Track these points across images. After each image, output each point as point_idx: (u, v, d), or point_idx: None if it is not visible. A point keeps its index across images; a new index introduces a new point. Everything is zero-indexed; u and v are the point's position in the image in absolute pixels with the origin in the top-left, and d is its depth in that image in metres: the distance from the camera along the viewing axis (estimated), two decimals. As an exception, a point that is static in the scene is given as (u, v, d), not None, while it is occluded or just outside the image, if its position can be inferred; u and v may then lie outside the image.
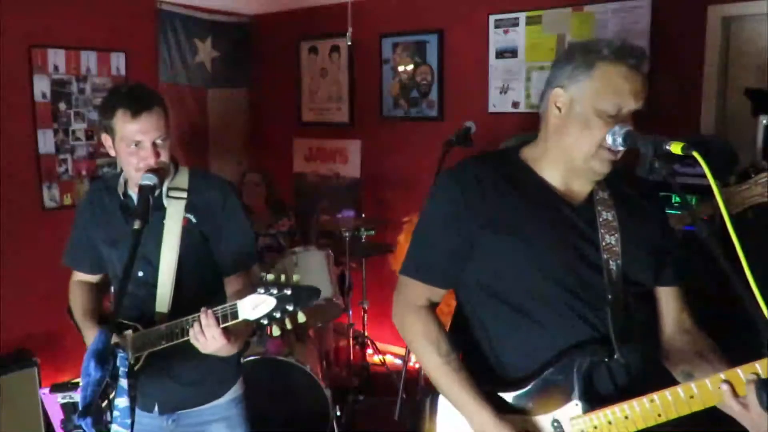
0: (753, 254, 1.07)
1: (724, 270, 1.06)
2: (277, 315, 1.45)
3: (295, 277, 1.47)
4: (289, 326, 1.47)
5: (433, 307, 1.44)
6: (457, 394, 1.33)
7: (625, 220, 1.36)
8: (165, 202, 1.74)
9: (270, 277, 1.46)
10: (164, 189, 1.74)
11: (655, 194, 1.46)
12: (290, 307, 1.44)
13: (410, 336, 1.42)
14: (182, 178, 1.79)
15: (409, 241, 1.48)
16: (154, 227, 1.71)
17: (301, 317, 1.47)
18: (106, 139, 1.71)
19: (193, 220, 1.75)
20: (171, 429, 1.84)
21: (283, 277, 1.46)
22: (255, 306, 1.46)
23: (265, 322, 1.46)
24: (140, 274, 1.74)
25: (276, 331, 1.48)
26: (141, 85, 1.76)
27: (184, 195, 1.76)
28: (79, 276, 1.95)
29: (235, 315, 1.50)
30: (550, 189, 1.37)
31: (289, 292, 1.44)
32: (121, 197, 1.78)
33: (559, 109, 1.33)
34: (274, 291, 1.44)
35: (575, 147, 1.31)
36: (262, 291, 1.45)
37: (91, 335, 1.77)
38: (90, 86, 3.92)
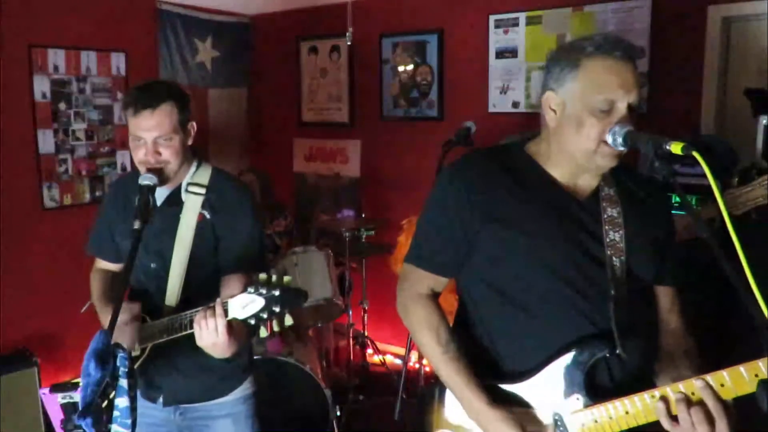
0: (757, 255, 1.06)
1: (724, 270, 1.06)
2: (264, 316, 1.43)
3: (286, 278, 1.45)
4: (276, 327, 1.46)
5: (435, 296, 1.46)
6: (454, 382, 1.35)
7: (630, 217, 1.36)
8: (183, 196, 1.77)
9: (261, 276, 1.44)
10: (184, 183, 1.78)
11: (662, 193, 1.46)
12: (277, 309, 1.42)
13: (412, 323, 1.44)
14: (204, 175, 1.81)
15: (414, 229, 1.50)
16: (170, 221, 1.74)
17: (288, 320, 1.45)
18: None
19: (208, 217, 1.76)
20: (178, 421, 1.85)
21: (274, 278, 1.44)
22: (244, 305, 1.45)
23: (252, 322, 1.45)
24: (152, 265, 1.77)
25: (263, 333, 1.46)
26: (159, 82, 1.80)
27: (203, 191, 1.78)
28: (100, 264, 1.98)
29: (225, 313, 1.48)
30: (556, 184, 1.37)
31: (277, 293, 1.42)
32: None
33: (554, 111, 1.34)
34: (264, 291, 1.43)
35: (575, 147, 1.31)
36: (252, 290, 1.44)
37: (106, 317, 1.77)
38: (90, 86, 3.92)
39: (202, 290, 1.73)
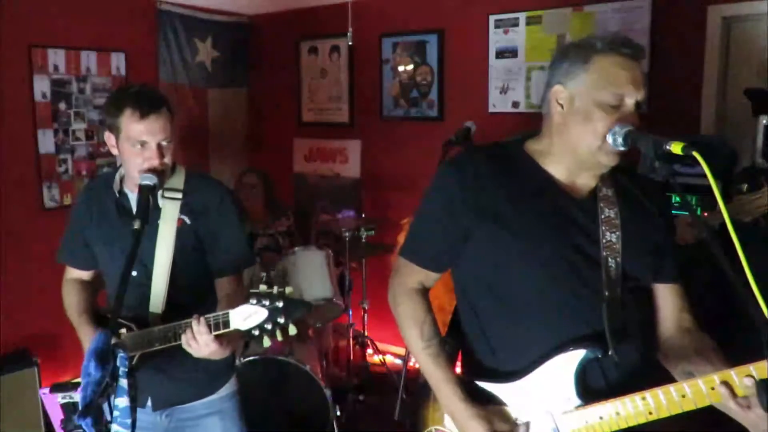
0: (764, 261, 1.06)
1: (725, 271, 1.06)
2: (268, 327, 1.46)
3: (288, 290, 1.49)
4: (279, 338, 1.48)
5: (425, 290, 1.49)
6: (433, 376, 1.39)
7: (627, 218, 1.36)
8: (160, 202, 1.75)
9: (263, 288, 1.47)
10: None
11: (659, 193, 1.46)
12: (281, 320, 1.45)
13: (399, 316, 1.47)
14: (178, 179, 1.79)
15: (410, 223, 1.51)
16: (149, 228, 1.70)
17: (292, 330, 1.48)
18: (109, 137, 1.72)
19: (188, 222, 1.75)
20: (165, 424, 1.85)
21: (275, 289, 1.47)
22: (247, 317, 1.47)
23: (256, 333, 1.47)
24: (134, 274, 1.73)
25: (266, 342, 1.49)
26: (149, 86, 1.77)
27: (180, 196, 1.76)
28: (72, 273, 1.96)
29: (227, 324, 1.51)
30: (554, 182, 1.37)
31: (280, 304, 1.45)
32: (116, 195, 1.79)
33: (561, 105, 1.34)
34: (266, 303, 1.45)
35: (580, 141, 1.31)
36: (254, 302, 1.46)
37: (86, 335, 1.78)
38: (90, 86, 3.92)
39: (187, 295, 1.74)
